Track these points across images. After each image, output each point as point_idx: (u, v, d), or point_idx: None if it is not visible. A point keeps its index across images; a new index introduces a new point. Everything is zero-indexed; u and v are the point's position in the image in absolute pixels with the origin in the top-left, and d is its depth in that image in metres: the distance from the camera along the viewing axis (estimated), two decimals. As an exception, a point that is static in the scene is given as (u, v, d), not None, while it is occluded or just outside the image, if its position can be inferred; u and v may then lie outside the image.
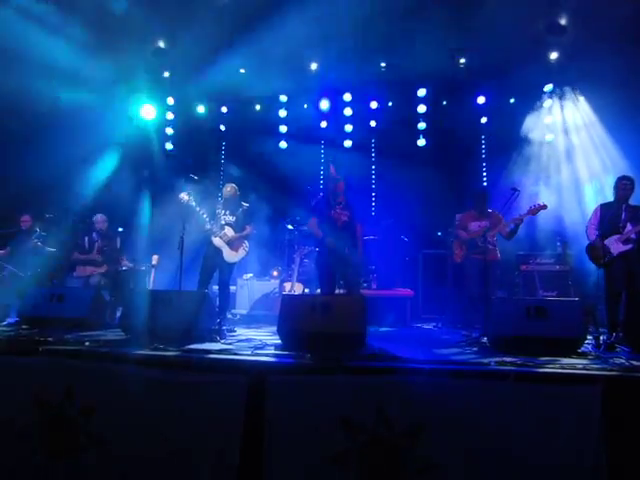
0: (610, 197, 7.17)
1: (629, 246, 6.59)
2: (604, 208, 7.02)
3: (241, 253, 7.72)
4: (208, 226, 7.43)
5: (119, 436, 4.16)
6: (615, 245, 6.67)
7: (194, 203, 7.33)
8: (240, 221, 7.77)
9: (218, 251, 7.50)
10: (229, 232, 7.59)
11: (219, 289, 7.68)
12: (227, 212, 7.71)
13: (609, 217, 6.82)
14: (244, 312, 9.41)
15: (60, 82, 10.02)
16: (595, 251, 6.85)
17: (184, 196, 7.31)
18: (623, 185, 6.84)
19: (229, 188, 7.83)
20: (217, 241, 7.49)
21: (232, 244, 7.57)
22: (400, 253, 10.32)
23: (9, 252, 8.66)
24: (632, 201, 6.93)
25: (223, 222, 7.62)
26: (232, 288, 9.52)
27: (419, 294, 10.18)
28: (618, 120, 10.20)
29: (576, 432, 3.61)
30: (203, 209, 7.45)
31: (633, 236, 6.61)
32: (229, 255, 7.55)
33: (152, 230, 9.59)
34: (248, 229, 7.82)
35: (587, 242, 7.06)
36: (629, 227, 6.64)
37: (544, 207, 7.03)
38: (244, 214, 7.85)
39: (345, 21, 9.10)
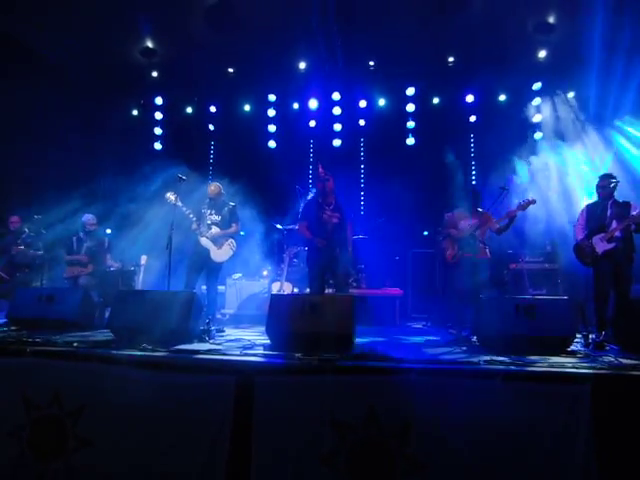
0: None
1: (613, 245, 6.60)
2: (590, 208, 7.05)
3: (228, 252, 7.66)
4: (195, 226, 7.40)
5: (107, 437, 4.14)
6: (600, 244, 6.68)
7: (180, 203, 7.29)
8: (226, 220, 7.72)
9: (205, 251, 7.47)
10: (216, 233, 7.57)
11: (207, 289, 7.64)
12: (213, 212, 7.66)
13: (596, 216, 6.85)
14: (233, 312, 9.39)
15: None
16: (581, 250, 6.90)
17: (170, 196, 7.29)
18: (607, 183, 6.87)
19: (213, 187, 7.78)
20: (204, 241, 7.45)
21: (218, 242, 7.53)
22: (389, 252, 10.34)
23: None
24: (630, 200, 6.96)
25: (209, 222, 7.58)
26: (221, 288, 9.52)
27: (408, 293, 10.21)
28: (608, 117, 10.31)
29: (565, 430, 3.62)
30: (190, 209, 7.42)
31: (617, 234, 6.62)
32: (216, 255, 7.51)
33: (140, 230, 9.54)
34: (234, 227, 7.77)
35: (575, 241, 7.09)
36: (614, 225, 6.66)
37: (533, 202, 7.05)
38: (230, 213, 7.80)
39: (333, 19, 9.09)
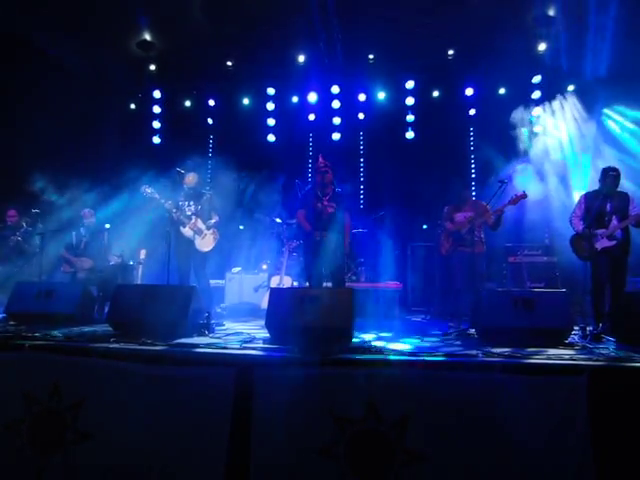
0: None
1: (613, 242, 6.59)
2: (589, 198, 6.96)
3: (211, 241, 7.81)
4: (177, 213, 7.55)
5: (107, 431, 4.15)
6: (600, 240, 6.65)
7: (157, 195, 7.43)
8: (206, 210, 7.86)
9: (189, 242, 7.65)
10: (198, 223, 7.70)
11: (197, 281, 7.69)
12: (191, 202, 7.81)
13: (594, 209, 6.77)
14: (232, 306, 9.39)
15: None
16: (579, 243, 6.85)
17: (146, 189, 7.46)
18: (610, 177, 6.78)
19: (191, 177, 7.89)
20: (187, 231, 7.61)
21: (201, 232, 7.68)
22: (389, 246, 10.34)
23: None
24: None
25: (189, 213, 7.70)
26: (221, 282, 9.55)
27: (408, 287, 10.22)
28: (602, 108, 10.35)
29: (562, 421, 3.63)
30: (168, 200, 7.52)
31: (618, 233, 6.60)
32: (200, 244, 7.69)
33: (140, 225, 9.55)
34: (216, 218, 7.91)
35: (572, 233, 7.05)
36: (615, 222, 6.61)
37: (524, 196, 7.06)
38: (209, 202, 7.91)
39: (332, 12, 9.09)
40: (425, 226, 11.15)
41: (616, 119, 10.49)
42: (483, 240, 7.48)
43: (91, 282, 7.93)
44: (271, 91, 12.13)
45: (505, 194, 7.09)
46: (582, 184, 9.87)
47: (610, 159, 8.94)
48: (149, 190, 7.46)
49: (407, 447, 3.73)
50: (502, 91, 11.33)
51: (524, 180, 9.72)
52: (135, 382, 4.22)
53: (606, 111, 10.53)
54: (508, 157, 10.50)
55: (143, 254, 9.15)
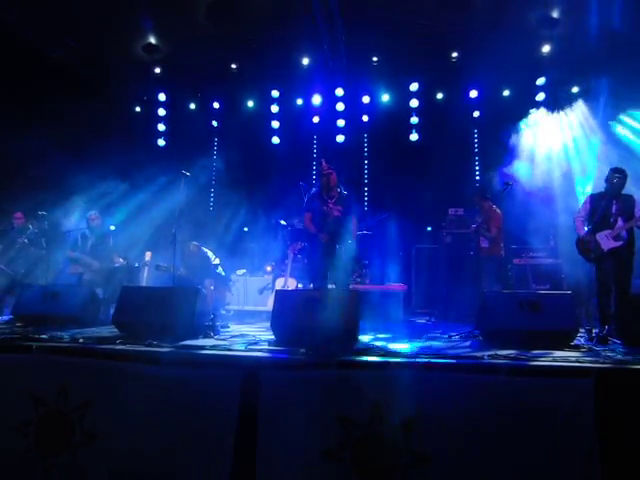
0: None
1: (619, 242, 6.55)
2: (594, 200, 6.91)
3: None
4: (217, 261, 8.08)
5: (114, 432, 4.15)
6: (605, 241, 6.60)
7: (204, 248, 7.72)
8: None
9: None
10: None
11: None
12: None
13: (600, 210, 6.75)
14: (238, 308, 9.40)
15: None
16: (584, 245, 6.81)
17: (193, 248, 7.82)
18: (616, 178, 6.74)
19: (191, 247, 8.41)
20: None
21: None
22: (393, 248, 10.34)
23: (0, 250, 8.62)
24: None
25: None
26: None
27: (412, 288, 10.20)
28: (610, 112, 10.30)
29: (569, 424, 3.62)
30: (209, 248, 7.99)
31: (624, 233, 6.57)
32: None
33: (145, 227, 9.57)
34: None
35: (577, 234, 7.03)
36: (620, 223, 6.58)
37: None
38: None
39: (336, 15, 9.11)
40: (429, 228, 11.14)
41: (623, 121, 10.48)
42: (500, 243, 7.53)
43: (97, 284, 7.95)
44: (275, 93, 12.14)
45: (510, 196, 7.10)
46: (586, 183, 9.85)
47: (616, 161, 8.89)
48: (196, 246, 8.19)
49: (413, 449, 3.72)
50: (506, 93, 11.32)
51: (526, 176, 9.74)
52: (141, 384, 4.22)
53: (612, 111, 10.49)
54: (513, 159, 10.46)
55: (148, 256, 9.16)
